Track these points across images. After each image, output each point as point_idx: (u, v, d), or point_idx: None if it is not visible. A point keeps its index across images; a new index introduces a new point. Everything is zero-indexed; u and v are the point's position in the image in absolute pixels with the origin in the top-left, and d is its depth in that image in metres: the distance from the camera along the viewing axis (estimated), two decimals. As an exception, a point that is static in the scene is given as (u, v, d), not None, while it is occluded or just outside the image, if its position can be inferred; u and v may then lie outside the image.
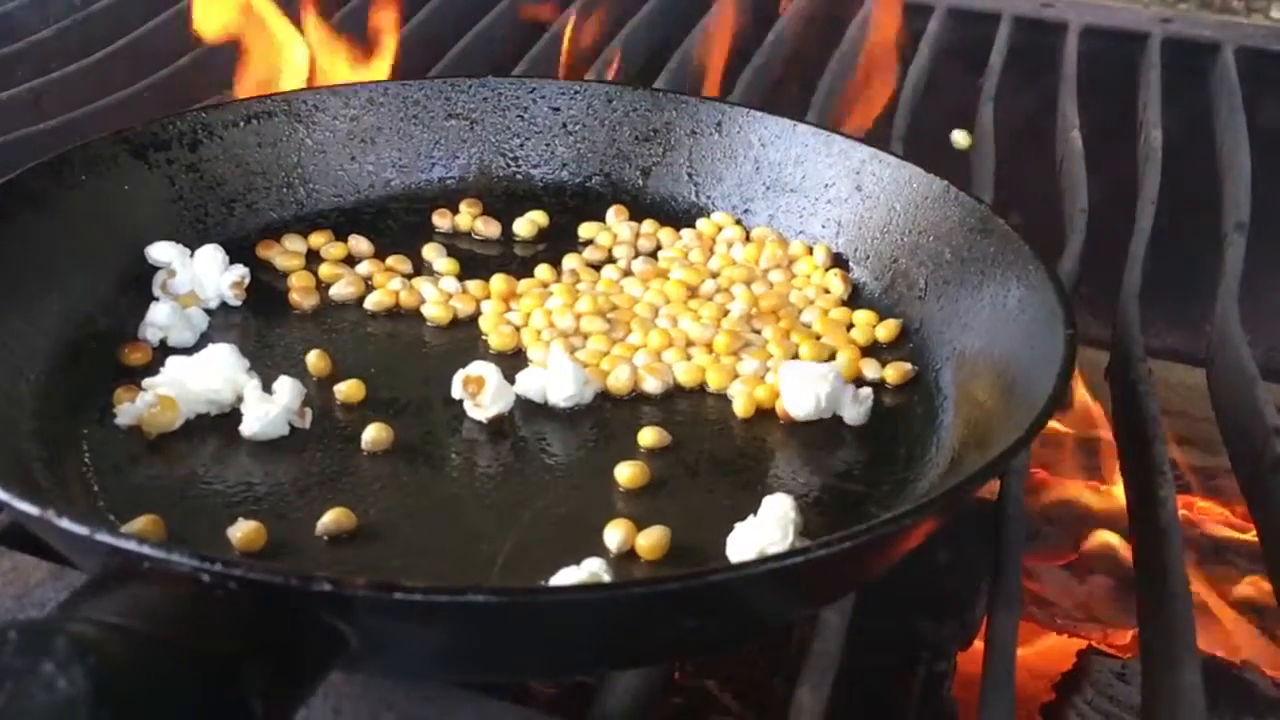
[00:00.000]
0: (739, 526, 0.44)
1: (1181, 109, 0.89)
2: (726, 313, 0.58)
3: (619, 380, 0.53)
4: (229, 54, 0.87)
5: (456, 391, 0.51)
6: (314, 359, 0.53)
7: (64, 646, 0.26)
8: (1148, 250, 0.72)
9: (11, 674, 0.25)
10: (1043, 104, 0.89)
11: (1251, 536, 0.69)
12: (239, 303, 0.57)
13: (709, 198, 0.66)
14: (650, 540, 0.44)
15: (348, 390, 0.51)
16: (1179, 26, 0.97)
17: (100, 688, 0.26)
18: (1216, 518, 0.80)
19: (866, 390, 0.53)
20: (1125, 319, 0.65)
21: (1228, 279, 0.70)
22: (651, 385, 0.53)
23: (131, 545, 0.32)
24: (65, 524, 0.33)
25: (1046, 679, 0.65)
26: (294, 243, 0.61)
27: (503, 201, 0.66)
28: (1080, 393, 0.78)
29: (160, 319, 0.54)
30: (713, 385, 0.54)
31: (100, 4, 0.92)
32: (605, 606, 0.35)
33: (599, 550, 0.44)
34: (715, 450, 0.50)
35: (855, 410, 0.51)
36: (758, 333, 0.57)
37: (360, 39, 0.85)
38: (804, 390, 0.51)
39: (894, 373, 0.54)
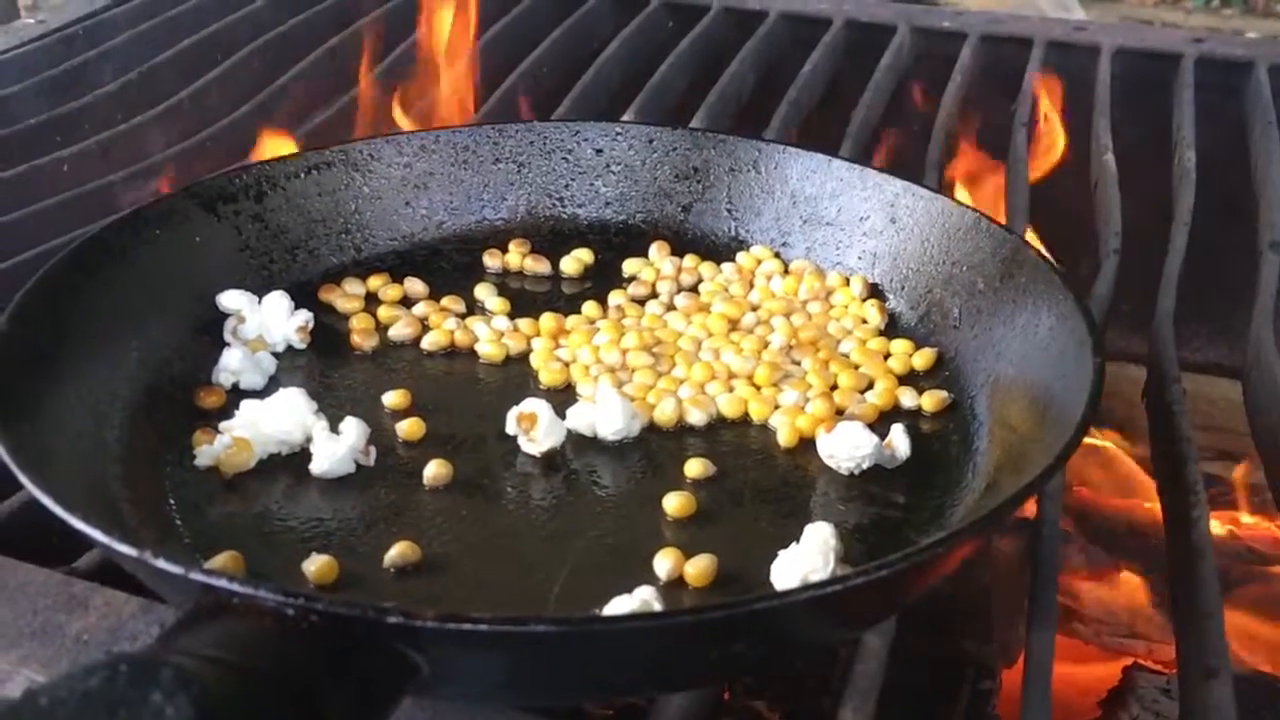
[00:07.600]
0: (782, 554, 0.46)
1: (1218, 128, 0.90)
2: (767, 345, 0.60)
3: (664, 413, 0.55)
4: (285, 102, 0.92)
5: (510, 427, 0.53)
6: (395, 397, 0.56)
7: (170, 678, 0.29)
8: (1182, 271, 0.73)
9: (125, 703, 0.28)
10: (1077, 126, 0.90)
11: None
12: (304, 346, 0.60)
13: (748, 232, 0.68)
14: (698, 568, 0.46)
15: (408, 428, 0.54)
16: (1212, 46, 0.98)
17: (203, 716, 0.29)
18: (1262, 532, 0.80)
19: (901, 440, 0.53)
20: (1160, 340, 0.66)
21: (1262, 297, 0.70)
22: (696, 417, 0.56)
23: (222, 583, 0.35)
24: (162, 564, 0.36)
25: (1093, 696, 0.66)
26: (353, 286, 0.64)
27: (550, 240, 0.69)
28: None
29: (232, 364, 0.57)
30: (755, 416, 0.56)
31: (161, 57, 0.97)
32: (657, 634, 0.37)
33: (649, 578, 0.46)
34: (758, 479, 0.52)
35: (893, 461, 0.53)
36: (797, 364, 0.59)
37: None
38: (843, 457, 0.52)
39: (931, 401, 0.56)
